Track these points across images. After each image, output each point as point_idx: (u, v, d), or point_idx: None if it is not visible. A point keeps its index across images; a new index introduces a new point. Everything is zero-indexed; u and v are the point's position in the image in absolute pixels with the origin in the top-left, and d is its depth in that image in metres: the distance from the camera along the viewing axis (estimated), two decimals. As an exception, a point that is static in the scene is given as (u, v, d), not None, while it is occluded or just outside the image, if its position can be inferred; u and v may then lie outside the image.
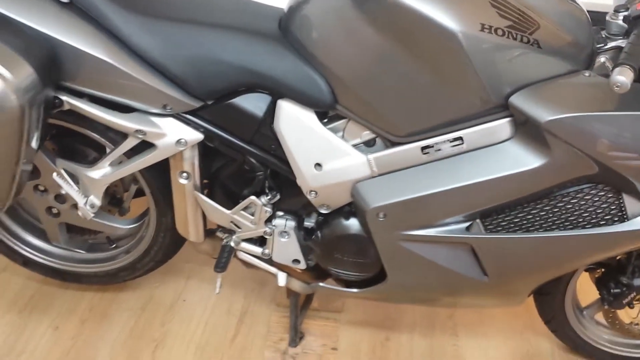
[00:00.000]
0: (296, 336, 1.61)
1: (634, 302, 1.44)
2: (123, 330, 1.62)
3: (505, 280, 1.29)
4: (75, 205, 1.46)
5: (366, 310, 1.74)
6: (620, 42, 1.13)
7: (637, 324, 1.53)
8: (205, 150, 1.29)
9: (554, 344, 1.68)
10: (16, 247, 1.59)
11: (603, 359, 1.61)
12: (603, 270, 1.47)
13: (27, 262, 1.61)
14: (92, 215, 1.32)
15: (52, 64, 1.07)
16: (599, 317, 1.60)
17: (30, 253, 1.60)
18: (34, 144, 1.12)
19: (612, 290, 1.41)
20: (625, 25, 1.09)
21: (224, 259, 1.35)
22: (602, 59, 1.12)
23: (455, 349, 1.66)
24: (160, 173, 1.35)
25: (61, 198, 1.45)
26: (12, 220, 1.58)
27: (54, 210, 1.48)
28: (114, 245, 1.62)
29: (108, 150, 1.35)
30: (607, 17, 1.14)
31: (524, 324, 1.74)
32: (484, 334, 1.71)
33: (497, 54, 1.04)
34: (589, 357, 1.63)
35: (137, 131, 1.20)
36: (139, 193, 1.53)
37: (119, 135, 1.29)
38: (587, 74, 1.08)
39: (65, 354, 1.54)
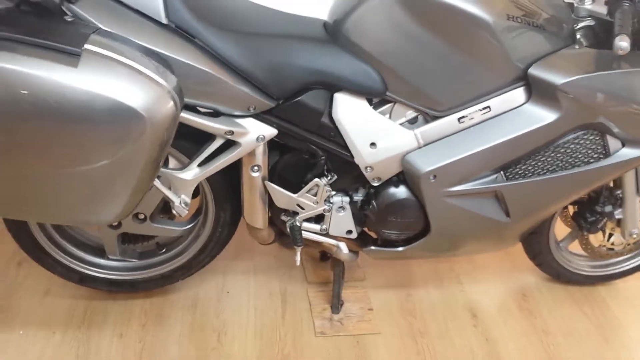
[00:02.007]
0: (338, 303, 1.84)
1: (605, 228, 1.84)
2: (183, 326, 1.75)
3: (522, 219, 1.62)
4: (136, 215, 1.59)
5: (383, 276, 2.01)
6: (589, 22, 1.49)
7: (603, 246, 1.93)
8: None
9: (538, 278, 2.06)
10: (73, 266, 1.67)
11: (579, 281, 2.01)
12: (578, 206, 1.85)
13: (83, 279, 1.70)
14: (186, 212, 1.47)
15: (174, 77, 1.22)
16: (571, 248, 1.99)
17: (87, 269, 1.68)
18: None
19: (588, 219, 1.79)
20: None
21: (297, 235, 1.55)
22: (577, 35, 1.49)
23: (463, 294, 1.98)
24: (222, 171, 1.52)
25: (125, 209, 1.56)
26: (66, 240, 1.66)
27: (115, 222, 1.60)
28: (163, 250, 1.75)
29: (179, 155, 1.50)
30: (575, 4, 1.50)
31: (509, 266, 2.11)
32: (482, 279, 2.05)
33: (518, 36, 1.37)
34: (568, 282, 2.01)
35: (227, 132, 1.38)
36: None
37: (192, 143, 1.46)
38: (577, 47, 1.44)
39: (138, 356, 1.65)
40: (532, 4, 1.40)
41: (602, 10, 1.44)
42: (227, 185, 1.57)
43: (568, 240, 1.99)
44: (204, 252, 1.70)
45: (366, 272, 2.02)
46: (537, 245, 1.91)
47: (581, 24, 1.50)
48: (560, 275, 2.00)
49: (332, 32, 1.46)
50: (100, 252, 1.70)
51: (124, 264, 1.71)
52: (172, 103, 1.11)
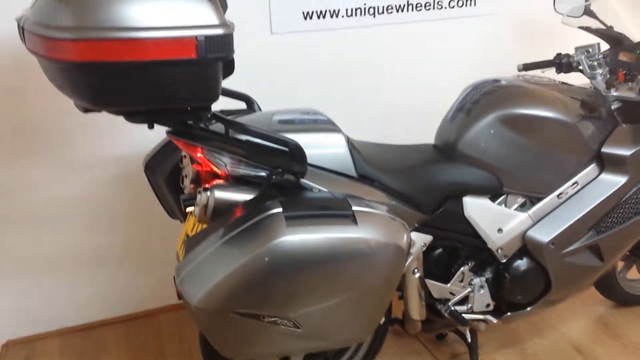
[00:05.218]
0: (479, 368, 2.16)
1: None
2: None
3: (612, 260, 2.05)
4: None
5: (493, 340, 2.36)
6: (617, 104, 2.01)
7: (656, 269, 2.41)
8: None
9: (606, 307, 2.51)
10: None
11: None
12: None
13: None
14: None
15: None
16: (629, 275, 2.46)
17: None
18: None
19: (646, 249, 2.27)
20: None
21: (460, 317, 1.90)
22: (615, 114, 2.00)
23: (562, 336, 2.37)
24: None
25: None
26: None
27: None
28: (332, 362, 2.02)
29: None
30: (603, 92, 2.01)
31: (580, 305, 2.53)
32: (568, 321, 2.46)
33: (588, 127, 1.86)
34: (633, 304, 2.47)
35: (404, 247, 1.74)
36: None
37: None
38: (623, 126, 1.95)
39: None
40: (585, 99, 1.91)
41: (627, 94, 1.97)
42: (386, 291, 1.90)
43: (625, 270, 2.45)
44: (370, 354, 1.99)
45: (481, 340, 2.36)
46: (608, 281, 2.36)
47: (613, 106, 2.01)
48: (627, 300, 2.46)
49: (446, 151, 1.89)
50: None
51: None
52: (408, 234, 1.48)
